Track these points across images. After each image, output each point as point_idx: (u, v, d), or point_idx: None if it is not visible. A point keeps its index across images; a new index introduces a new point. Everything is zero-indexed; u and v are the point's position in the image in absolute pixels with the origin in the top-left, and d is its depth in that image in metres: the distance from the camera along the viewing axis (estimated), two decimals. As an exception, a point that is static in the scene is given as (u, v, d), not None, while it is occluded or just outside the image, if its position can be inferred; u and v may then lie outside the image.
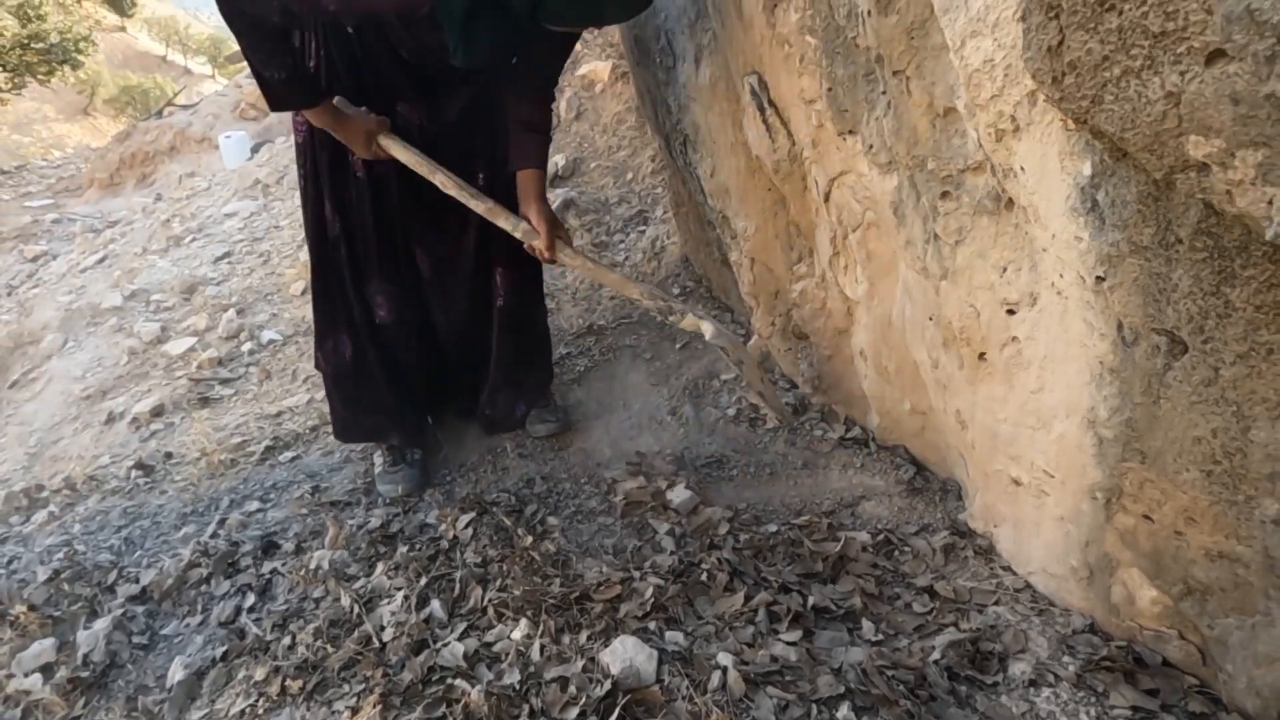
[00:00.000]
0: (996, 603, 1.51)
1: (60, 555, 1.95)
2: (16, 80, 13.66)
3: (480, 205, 1.87)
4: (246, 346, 3.42)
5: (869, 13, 1.36)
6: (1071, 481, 1.34)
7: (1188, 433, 1.05)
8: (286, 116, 2.07)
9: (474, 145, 1.99)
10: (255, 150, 7.88)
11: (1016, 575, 1.58)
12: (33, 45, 13.39)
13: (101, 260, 5.62)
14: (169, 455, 2.61)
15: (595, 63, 4.27)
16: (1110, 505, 1.27)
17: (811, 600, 1.52)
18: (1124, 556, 1.29)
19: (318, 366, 2.19)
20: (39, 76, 13.95)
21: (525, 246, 1.92)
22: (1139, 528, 1.23)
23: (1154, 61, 0.81)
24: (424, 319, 2.16)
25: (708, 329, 1.94)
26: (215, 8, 1.63)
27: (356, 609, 1.64)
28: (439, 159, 1.87)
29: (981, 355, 1.46)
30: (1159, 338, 1.04)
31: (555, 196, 3.77)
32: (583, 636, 1.45)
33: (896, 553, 1.70)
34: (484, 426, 2.33)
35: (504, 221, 1.89)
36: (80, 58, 14.48)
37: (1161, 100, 0.82)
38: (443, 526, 1.88)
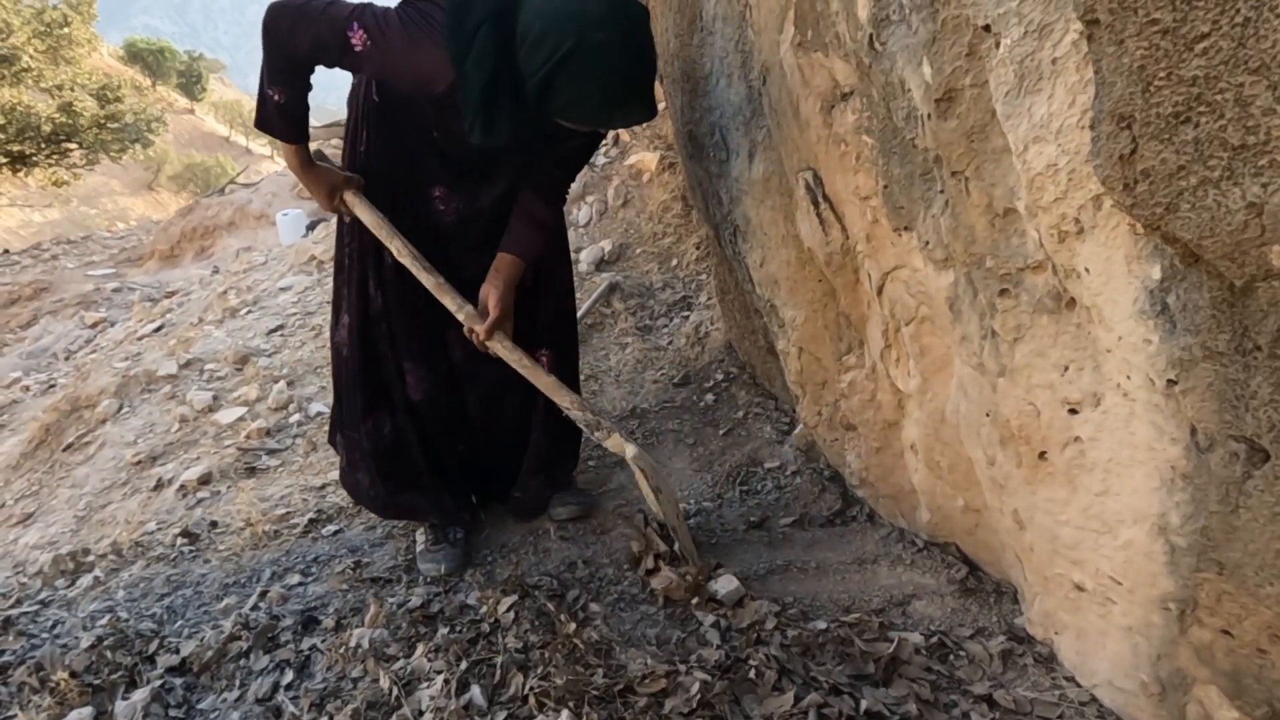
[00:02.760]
0: (1060, 716, 1.44)
1: (103, 621, 1.95)
2: (91, 156, 14.48)
3: (429, 279, 1.88)
4: (295, 418, 3.47)
5: (929, 116, 1.39)
6: (1140, 590, 1.29)
7: (1271, 545, 1.01)
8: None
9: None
10: (311, 228, 8.19)
11: (1080, 687, 1.50)
12: (109, 125, 14.24)
13: (158, 329, 5.80)
14: (214, 524, 2.63)
15: (643, 153, 4.41)
16: (1184, 618, 1.22)
17: (865, 704, 1.46)
18: (1200, 673, 1.23)
19: (347, 444, 2.20)
20: (112, 154, 14.78)
21: (465, 330, 1.91)
22: (1217, 643, 1.18)
23: (1233, 173, 0.82)
24: (456, 402, 2.18)
25: (629, 451, 1.91)
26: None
27: (395, 691, 1.61)
28: (468, 247, 1.90)
29: (1042, 455, 1.43)
30: (1237, 445, 1.01)
31: (601, 280, 3.84)
32: (627, 732, 1.40)
33: (951, 656, 1.64)
34: (514, 512, 2.30)
35: (449, 300, 1.89)
36: (151, 137, 15.35)
37: (1243, 210, 0.82)
38: (484, 608, 1.86)
